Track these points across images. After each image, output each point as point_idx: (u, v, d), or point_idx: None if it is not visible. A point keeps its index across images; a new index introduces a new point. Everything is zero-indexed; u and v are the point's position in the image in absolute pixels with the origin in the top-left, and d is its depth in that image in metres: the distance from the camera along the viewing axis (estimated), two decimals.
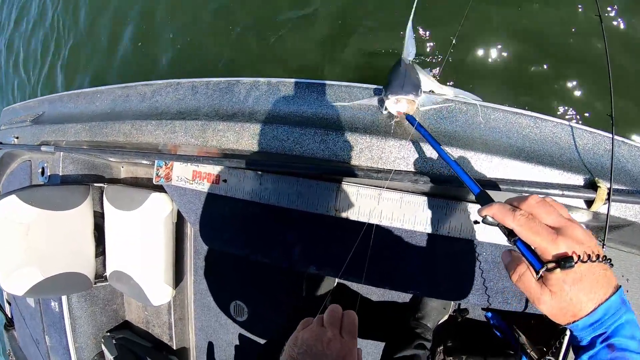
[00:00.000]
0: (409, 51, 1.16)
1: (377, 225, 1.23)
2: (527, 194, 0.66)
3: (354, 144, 1.11)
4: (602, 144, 1.07)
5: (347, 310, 0.77)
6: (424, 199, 1.20)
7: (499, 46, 2.12)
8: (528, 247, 0.61)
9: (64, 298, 1.97)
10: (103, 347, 1.97)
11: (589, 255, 0.57)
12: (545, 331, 1.37)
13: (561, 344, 1.17)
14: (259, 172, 1.38)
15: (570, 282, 0.57)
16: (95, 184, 1.93)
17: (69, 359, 2.02)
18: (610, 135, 1.05)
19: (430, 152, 1.06)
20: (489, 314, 1.56)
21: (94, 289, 2.00)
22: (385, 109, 1.07)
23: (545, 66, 2.04)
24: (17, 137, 2.09)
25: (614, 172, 1.01)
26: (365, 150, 1.10)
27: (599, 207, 0.98)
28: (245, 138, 1.25)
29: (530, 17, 2.08)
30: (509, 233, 0.63)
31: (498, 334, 1.52)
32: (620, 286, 0.59)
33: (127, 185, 1.99)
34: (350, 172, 1.11)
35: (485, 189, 0.76)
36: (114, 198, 1.84)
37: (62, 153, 1.88)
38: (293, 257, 1.36)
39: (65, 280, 1.81)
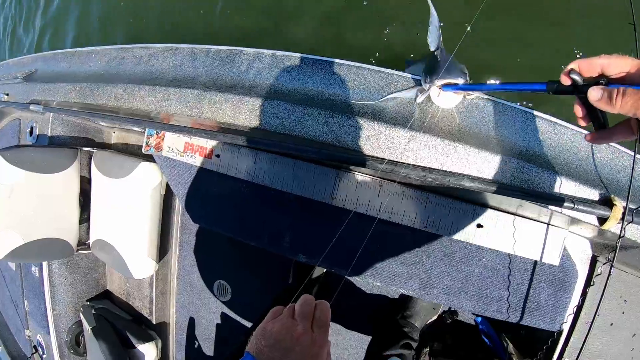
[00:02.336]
0: (432, 40, 1.05)
1: (374, 218, 1.16)
2: None
3: (360, 130, 1.03)
4: (620, 159, 1.00)
5: (321, 301, 0.71)
6: (427, 195, 1.13)
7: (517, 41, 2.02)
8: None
9: (44, 264, 1.91)
10: (82, 317, 1.91)
11: None
12: (534, 343, 1.32)
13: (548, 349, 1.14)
14: (255, 150, 1.30)
15: None
16: (84, 148, 1.85)
17: (46, 326, 1.97)
18: (632, 153, 0.98)
19: (443, 147, 0.98)
20: (479, 319, 1.51)
21: (76, 257, 1.94)
22: (423, 92, 0.97)
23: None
24: (7, 94, 2.00)
25: (634, 191, 0.95)
26: (372, 138, 1.02)
27: (612, 226, 0.92)
28: (243, 112, 1.17)
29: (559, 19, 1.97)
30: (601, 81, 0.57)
31: (486, 340, 1.47)
32: None
33: (116, 151, 1.90)
34: (353, 160, 1.03)
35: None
36: (103, 164, 1.76)
37: (51, 114, 1.79)
38: (283, 244, 1.29)
39: (47, 246, 1.74)
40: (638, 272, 1.14)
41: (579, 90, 0.58)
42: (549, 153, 1.00)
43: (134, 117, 1.44)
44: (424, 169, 0.96)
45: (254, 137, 1.15)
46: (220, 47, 1.36)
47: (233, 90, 1.21)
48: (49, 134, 1.82)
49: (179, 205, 1.91)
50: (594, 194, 0.94)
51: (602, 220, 0.93)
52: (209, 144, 1.39)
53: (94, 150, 1.85)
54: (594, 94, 0.57)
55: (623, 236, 0.90)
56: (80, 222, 1.86)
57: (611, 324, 1.14)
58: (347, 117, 1.04)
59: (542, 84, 0.66)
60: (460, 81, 0.91)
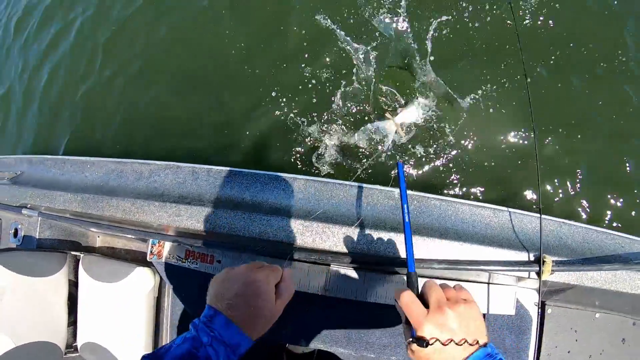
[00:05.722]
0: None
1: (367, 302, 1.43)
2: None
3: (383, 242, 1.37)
4: (546, 227, 1.40)
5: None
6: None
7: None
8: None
9: None
10: None
11: (451, 340, 0.72)
12: None
13: None
14: (255, 254, 1.52)
15: (423, 355, 0.73)
16: (72, 252, 1.94)
17: None
18: (556, 219, 1.44)
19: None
20: None
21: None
22: None
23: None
24: None
25: (558, 247, 1.35)
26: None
27: (547, 276, 1.27)
28: (254, 226, 1.42)
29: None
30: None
31: None
32: None
33: (105, 256, 2.01)
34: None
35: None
36: (93, 269, 1.85)
37: (39, 218, 1.89)
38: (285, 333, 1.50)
39: (37, 349, 1.76)
40: (580, 306, 1.51)
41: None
42: (493, 232, 1.37)
43: (142, 230, 1.61)
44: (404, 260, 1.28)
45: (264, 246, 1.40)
46: (220, 168, 1.62)
47: (241, 207, 1.46)
48: (37, 237, 1.91)
49: (168, 304, 2.00)
50: (530, 257, 1.31)
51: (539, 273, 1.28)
52: (209, 251, 1.59)
53: (82, 255, 1.95)
54: (406, 298, 0.80)
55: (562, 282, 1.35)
56: (68, 325, 1.90)
57: (569, 352, 1.47)
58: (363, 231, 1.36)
59: (413, 268, 0.95)
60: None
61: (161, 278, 1.79)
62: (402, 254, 1.31)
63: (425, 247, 1.32)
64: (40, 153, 3.51)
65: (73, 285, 1.95)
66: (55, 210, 1.81)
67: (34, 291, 1.78)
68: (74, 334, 1.93)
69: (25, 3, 4.84)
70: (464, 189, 2.52)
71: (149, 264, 1.77)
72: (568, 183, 2.43)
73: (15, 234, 1.98)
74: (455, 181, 2.53)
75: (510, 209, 1.43)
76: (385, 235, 1.35)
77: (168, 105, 3.37)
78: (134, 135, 3.44)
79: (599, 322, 1.53)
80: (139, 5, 3.76)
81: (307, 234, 1.38)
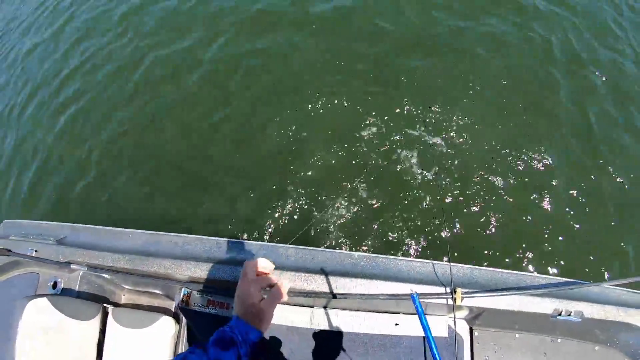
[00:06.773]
0: None
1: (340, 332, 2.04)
2: None
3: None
4: (460, 272, 2.06)
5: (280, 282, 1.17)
6: (365, 313, 2.07)
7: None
8: None
9: None
10: None
11: None
12: None
13: None
14: None
15: None
16: (104, 304, 2.44)
17: None
18: (467, 265, 2.07)
19: (367, 283, 1.99)
20: None
21: None
22: None
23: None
24: (36, 250, 2.42)
25: (470, 284, 1.95)
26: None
27: (460, 302, 1.86)
28: None
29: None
30: None
31: None
32: None
33: (131, 308, 2.51)
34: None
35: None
36: (123, 318, 2.33)
37: (80, 273, 2.40)
38: None
39: None
40: (500, 329, 2.09)
41: None
42: (423, 277, 2.01)
43: (175, 280, 2.19)
44: (362, 294, 1.93)
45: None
46: (237, 240, 2.28)
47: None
48: (77, 289, 2.40)
49: (183, 349, 2.47)
50: (448, 290, 1.92)
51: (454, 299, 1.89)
52: (227, 300, 2.19)
53: (110, 307, 2.44)
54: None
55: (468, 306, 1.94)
56: None
57: None
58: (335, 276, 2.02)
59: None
60: None
61: (181, 326, 2.31)
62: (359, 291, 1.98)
63: (375, 287, 1.95)
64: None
65: (100, 332, 2.42)
66: (100, 266, 2.33)
67: (72, 332, 2.24)
68: None
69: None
70: (403, 249, 3.72)
71: (171, 315, 2.30)
72: (475, 239, 3.72)
73: (54, 286, 2.44)
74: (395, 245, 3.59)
75: (433, 261, 2.10)
76: (347, 281, 1.99)
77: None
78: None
79: (520, 341, 2.04)
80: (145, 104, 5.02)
81: (297, 280, 2.02)
